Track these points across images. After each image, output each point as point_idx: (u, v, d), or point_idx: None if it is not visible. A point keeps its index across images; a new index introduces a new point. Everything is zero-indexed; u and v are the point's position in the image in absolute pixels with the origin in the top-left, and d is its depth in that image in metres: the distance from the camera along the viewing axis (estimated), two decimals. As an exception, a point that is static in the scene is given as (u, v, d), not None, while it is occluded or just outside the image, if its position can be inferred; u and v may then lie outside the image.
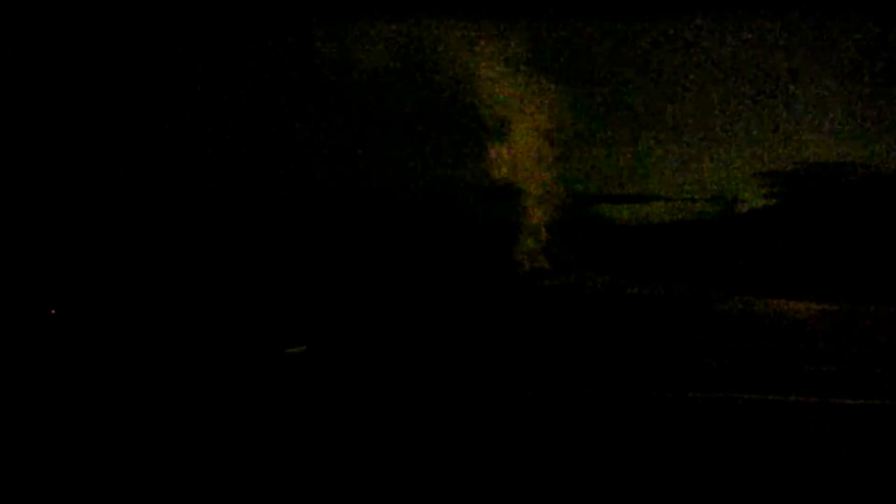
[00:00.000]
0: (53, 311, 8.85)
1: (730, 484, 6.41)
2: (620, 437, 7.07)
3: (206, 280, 8.66)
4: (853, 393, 7.70)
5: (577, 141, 8.87)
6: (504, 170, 10.08)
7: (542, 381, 8.22)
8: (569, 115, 8.98)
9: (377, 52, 8.53)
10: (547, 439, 7.06)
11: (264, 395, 7.86)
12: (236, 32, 8.55)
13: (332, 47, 8.48)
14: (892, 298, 8.23)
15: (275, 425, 7.29)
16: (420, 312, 8.79)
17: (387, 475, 6.54)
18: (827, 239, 8.20)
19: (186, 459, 6.78)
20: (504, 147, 9.74)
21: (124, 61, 8.48)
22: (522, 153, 9.77)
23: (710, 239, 8.63)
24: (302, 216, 8.70)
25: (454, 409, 7.62)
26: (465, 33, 8.75)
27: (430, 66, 8.64)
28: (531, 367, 8.52)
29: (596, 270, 8.86)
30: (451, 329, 8.63)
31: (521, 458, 6.79)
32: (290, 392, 7.94)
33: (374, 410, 7.65)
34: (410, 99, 8.81)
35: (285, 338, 8.56)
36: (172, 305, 8.60)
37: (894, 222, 8.13)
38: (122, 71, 8.53)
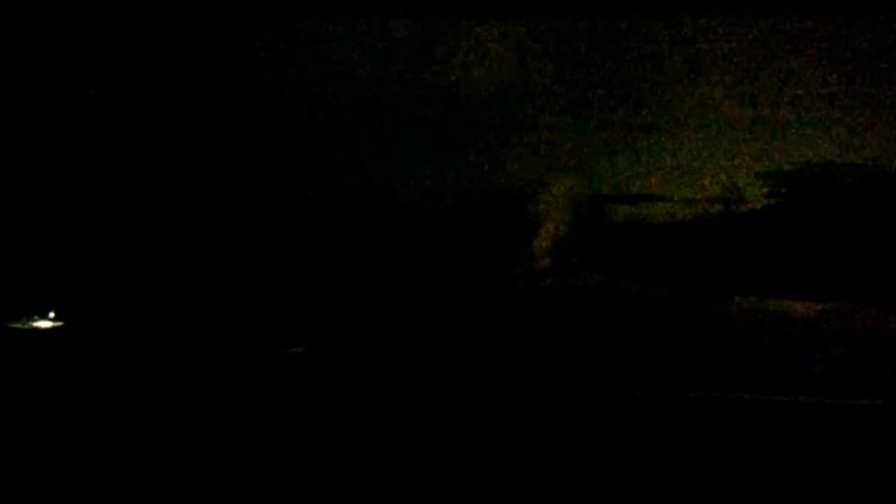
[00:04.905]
0: (53, 313, 8.89)
1: (730, 484, 6.45)
2: (620, 437, 7.10)
3: (205, 279, 8.70)
4: (853, 393, 7.72)
5: (576, 141, 8.90)
6: (503, 170, 10.09)
7: (542, 381, 8.24)
8: (568, 115, 9.01)
9: (378, 51, 8.56)
10: (547, 439, 7.09)
11: (263, 395, 7.89)
12: (235, 30, 8.61)
13: (333, 46, 8.53)
14: (892, 298, 8.26)
15: (274, 425, 7.33)
16: (419, 312, 8.83)
17: (387, 475, 6.59)
18: (827, 239, 8.23)
19: (185, 459, 6.84)
20: (503, 147, 9.75)
21: (124, 60, 8.55)
22: (521, 153, 9.78)
23: (710, 239, 8.65)
24: (301, 216, 8.75)
25: (454, 409, 7.65)
26: (463, 33, 8.78)
27: (429, 66, 8.68)
28: (531, 367, 8.54)
29: (596, 270, 8.87)
30: (450, 329, 8.66)
31: (521, 458, 6.83)
32: (290, 392, 7.97)
33: (373, 410, 7.68)
34: (409, 99, 8.87)
35: (285, 338, 8.58)
36: (170, 305, 8.63)
37: (894, 222, 8.16)
38: (121, 70, 8.60)
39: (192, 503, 6.44)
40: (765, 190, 8.91)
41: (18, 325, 8.72)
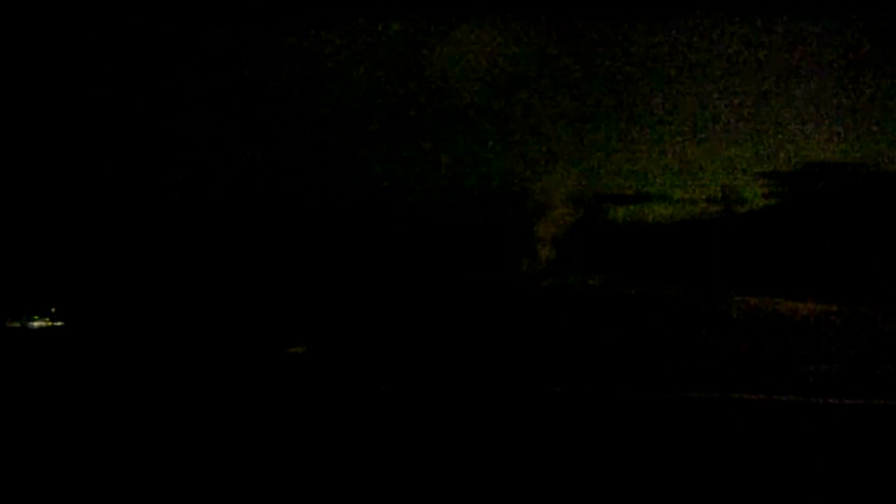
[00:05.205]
0: (54, 310, 8.84)
1: (730, 483, 6.40)
2: (621, 436, 7.06)
3: (207, 280, 8.66)
4: (853, 393, 7.69)
5: (577, 141, 8.87)
6: (503, 169, 10.04)
7: (542, 380, 8.20)
8: (568, 115, 8.97)
9: (380, 54, 8.52)
10: (547, 438, 7.04)
11: (264, 395, 7.85)
12: (234, 33, 8.54)
13: (334, 48, 8.47)
14: (892, 298, 8.23)
15: (275, 425, 7.28)
16: (420, 312, 8.79)
17: (386, 474, 6.53)
18: (827, 239, 8.21)
19: (187, 458, 6.77)
20: (503, 147, 9.70)
21: (124, 63, 8.47)
22: (521, 153, 9.73)
23: (710, 239, 8.63)
24: (302, 217, 8.70)
25: (454, 408, 7.61)
26: (466, 35, 8.73)
27: (431, 68, 8.64)
28: (531, 367, 8.50)
29: (596, 270, 8.85)
30: (451, 329, 8.62)
31: (521, 457, 6.78)
32: (291, 392, 7.93)
33: (374, 410, 7.64)
34: (411, 101, 8.81)
35: (285, 338, 8.54)
36: (173, 305, 8.59)
37: (894, 222, 8.13)
38: (121, 72, 8.53)
39: (192, 502, 6.39)
40: (765, 190, 8.81)
41: (18, 325, 8.66)
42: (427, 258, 9.17)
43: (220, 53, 8.42)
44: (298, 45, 8.69)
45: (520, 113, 8.98)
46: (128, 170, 8.58)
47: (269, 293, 8.95)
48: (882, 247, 8.64)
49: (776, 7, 8.51)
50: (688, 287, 9.14)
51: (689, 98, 8.63)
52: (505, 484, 6.39)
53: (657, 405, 7.63)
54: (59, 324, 9.05)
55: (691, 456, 6.69)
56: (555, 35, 8.99)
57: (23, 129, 8.67)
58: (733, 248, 8.91)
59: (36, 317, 9.02)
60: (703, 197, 8.79)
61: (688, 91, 8.60)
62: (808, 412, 7.49)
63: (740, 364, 8.41)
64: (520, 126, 9.02)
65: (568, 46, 8.88)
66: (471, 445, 6.86)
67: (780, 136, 8.74)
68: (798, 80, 8.51)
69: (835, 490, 6.30)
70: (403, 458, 6.67)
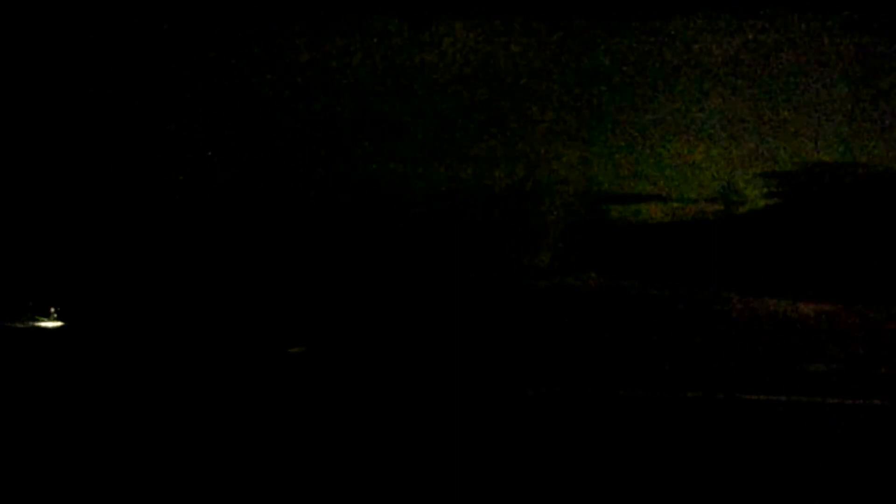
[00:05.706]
0: (54, 310, 8.85)
1: (730, 484, 6.42)
2: (620, 437, 7.09)
3: (206, 280, 8.67)
4: (853, 393, 7.71)
5: (576, 141, 8.88)
6: (503, 170, 10.07)
7: (542, 381, 8.23)
8: (568, 116, 8.99)
9: (377, 51, 8.54)
10: (547, 439, 7.07)
11: (264, 395, 7.88)
12: (232, 32, 8.55)
13: (332, 45, 8.48)
14: (892, 298, 8.23)
15: (275, 425, 7.31)
16: (420, 312, 8.81)
17: (387, 476, 6.56)
18: (827, 239, 8.21)
19: (186, 459, 6.80)
20: (503, 147, 9.73)
21: (125, 63, 8.48)
22: (521, 153, 9.77)
23: (710, 239, 8.63)
24: (301, 216, 8.70)
25: (454, 409, 7.64)
26: (464, 32, 8.76)
27: (429, 65, 8.65)
28: (531, 368, 8.53)
29: (596, 270, 8.86)
30: (450, 329, 8.65)
31: (521, 459, 6.80)
32: (290, 392, 7.96)
33: (374, 410, 7.67)
34: (410, 98, 8.82)
35: (285, 338, 8.57)
36: (171, 305, 8.61)
37: (894, 222, 8.14)
38: (122, 72, 8.54)
39: (192, 502, 6.41)
40: (765, 190, 8.84)
41: (20, 325, 8.66)
42: (426, 258, 9.21)
43: (219, 53, 8.45)
44: (296, 44, 8.73)
45: (518, 112, 9.00)
46: (128, 170, 8.61)
47: (269, 293, 8.99)
48: (882, 247, 8.68)
49: (777, 7, 8.55)
50: (688, 287, 9.19)
51: (688, 98, 8.66)
52: (505, 483, 6.42)
53: (657, 405, 7.66)
54: (59, 324, 9.09)
55: (691, 456, 6.72)
56: (553, 34, 9.03)
57: (22, 129, 8.72)
58: (733, 248, 8.94)
59: (36, 317, 9.06)
60: (704, 197, 8.82)
61: (687, 91, 8.63)
62: (808, 412, 7.52)
63: (740, 364, 8.45)
64: (519, 125, 9.04)
65: (567, 45, 8.91)
66: (471, 445, 6.89)
67: (780, 136, 8.77)
68: (798, 79, 8.54)
69: (835, 490, 6.32)
70: (404, 458, 6.69)
